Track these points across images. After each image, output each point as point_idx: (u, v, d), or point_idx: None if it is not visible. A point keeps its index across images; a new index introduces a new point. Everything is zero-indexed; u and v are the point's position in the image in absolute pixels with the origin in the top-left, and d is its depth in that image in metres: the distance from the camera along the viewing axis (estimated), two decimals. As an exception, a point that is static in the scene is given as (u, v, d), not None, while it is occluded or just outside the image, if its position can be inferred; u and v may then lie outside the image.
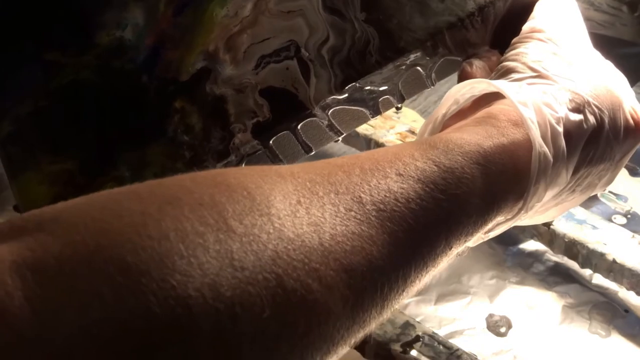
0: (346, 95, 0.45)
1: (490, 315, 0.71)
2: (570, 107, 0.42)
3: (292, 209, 0.32)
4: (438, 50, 0.47)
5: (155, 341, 0.26)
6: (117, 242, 0.27)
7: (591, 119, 0.43)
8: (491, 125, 0.41)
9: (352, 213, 0.33)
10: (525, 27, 0.47)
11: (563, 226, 0.70)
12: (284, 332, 0.30)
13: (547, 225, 0.70)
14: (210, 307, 0.28)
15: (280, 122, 0.44)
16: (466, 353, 0.61)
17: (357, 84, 0.45)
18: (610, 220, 0.74)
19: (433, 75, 0.48)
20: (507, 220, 0.42)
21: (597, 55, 0.47)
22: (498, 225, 0.42)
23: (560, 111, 0.42)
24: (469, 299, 0.72)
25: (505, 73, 0.45)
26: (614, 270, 0.68)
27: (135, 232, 0.28)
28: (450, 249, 0.37)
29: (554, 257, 0.75)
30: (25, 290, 0.26)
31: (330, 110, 0.45)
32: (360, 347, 0.63)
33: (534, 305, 0.72)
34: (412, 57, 0.46)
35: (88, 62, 0.39)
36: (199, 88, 0.42)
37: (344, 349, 0.33)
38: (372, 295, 0.33)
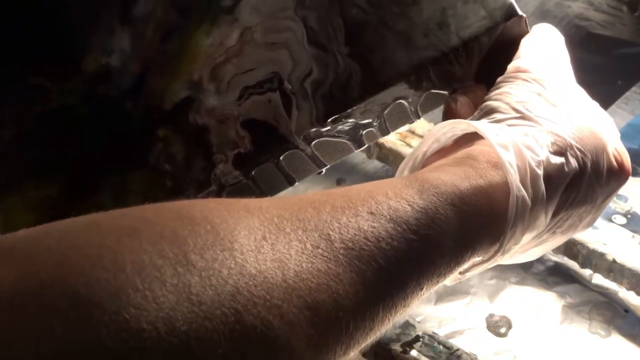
0: (328, 127, 0.46)
1: (490, 315, 0.71)
2: (552, 150, 0.42)
3: (257, 244, 0.31)
4: (422, 84, 0.47)
5: None
6: (71, 275, 0.27)
7: (573, 162, 0.42)
8: (469, 166, 0.40)
9: (319, 250, 0.33)
10: (511, 67, 0.46)
11: (563, 226, 0.70)
12: None
13: (547, 225, 0.70)
14: (164, 341, 0.27)
15: (261, 154, 0.44)
16: (466, 353, 0.61)
17: (340, 118, 0.46)
18: (610, 220, 0.74)
19: (418, 108, 0.48)
20: (484, 261, 0.41)
21: (583, 94, 0.46)
22: (475, 266, 0.42)
23: (541, 154, 0.41)
24: (469, 299, 0.72)
25: (488, 112, 0.44)
26: (614, 270, 0.68)
27: (90, 265, 0.28)
28: (422, 289, 0.37)
29: (554, 257, 0.75)
30: None
31: (313, 143, 0.46)
32: (360, 347, 0.63)
33: (534, 305, 0.72)
34: (396, 91, 0.46)
35: (74, 87, 0.39)
36: (183, 117, 0.43)
37: None
38: (338, 334, 0.33)
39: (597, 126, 0.45)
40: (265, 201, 0.34)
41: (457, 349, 0.61)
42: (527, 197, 0.40)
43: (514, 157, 0.40)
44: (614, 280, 0.69)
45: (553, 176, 0.41)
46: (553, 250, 0.72)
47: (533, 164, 0.40)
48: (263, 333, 0.30)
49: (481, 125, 0.41)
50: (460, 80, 0.48)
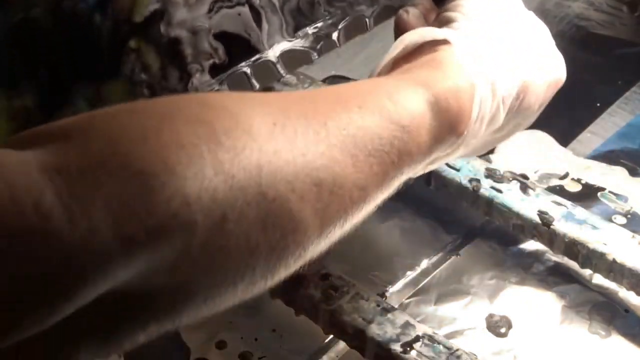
0: (295, 39, 0.47)
1: (490, 315, 0.71)
2: (506, 59, 0.48)
3: (270, 129, 0.36)
4: None
5: (159, 226, 0.31)
6: (126, 151, 0.32)
7: (524, 72, 0.49)
8: (439, 69, 0.46)
9: (320, 136, 0.38)
10: None
11: (563, 226, 0.70)
12: (264, 236, 0.35)
13: (547, 225, 0.70)
14: (205, 206, 0.32)
15: (236, 64, 0.46)
16: (466, 353, 0.61)
17: (307, 29, 0.47)
18: (610, 220, 0.74)
19: (372, 20, 0.51)
20: (447, 154, 0.47)
21: (522, 5, 0.53)
22: (438, 159, 0.48)
23: (499, 62, 0.48)
24: (469, 299, 0.72)
25: (445, 22, 0.50)
26: (614, 270, 0.68)
27: (141, 141, 0.32)
28: (402, 174, 0.43)
29: (554, 257, 0.75)
30: (54, 187, 0.30)
31: (280, 52, 0.47)
32: (360, 347, 0.63)
33: (534, 306, 0.72)
34: (355, 3, 0.49)
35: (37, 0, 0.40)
36: (154, 29, 0.44)
37: (313, 254, 0.39)
38: (337, 207, 0.39)
39: (542, 42, 0.52)
40: (271, 95, 0.41)
41: (457, 349, 0.61)
42: (489, 97, 0.47)
43: (476, 64, 0.47)
44: (614, 280, 0.69)
45: (509, 80, 0.48)
46: (553, 250, 0.72)
47: (494, 70, 0.47)
48: (281, 205, 0.35)
49: (448, 33, 0.48)
50: None
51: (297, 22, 0.47)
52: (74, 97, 0.42)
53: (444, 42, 0.48)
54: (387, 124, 0.41)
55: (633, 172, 0.83)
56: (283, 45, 0.48)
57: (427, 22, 0.53)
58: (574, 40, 0.98)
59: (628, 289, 0.68)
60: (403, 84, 0.44)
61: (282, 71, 0.49)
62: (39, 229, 0.29)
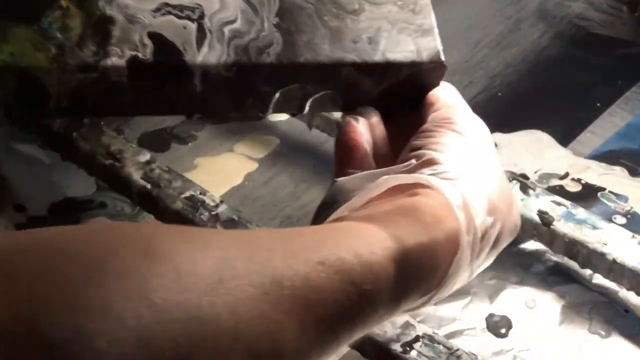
0: (229, 76, 0.46)
1: (490, 315, 0.71)
2: (486, 211, 0.44)
3: (213, 286, 0.33)
4: (328, 82, 0.47)
5: None
6: (39, 313, 0.29)
7: (498, 225, 0.44)
8: (417, 219, 0.41)
9: (269, 297, 0.34)
10: (438, 115, 0.47)
11: (563, 226, 0.70)
12: None
13: (547, 225, 0.70)
14: None
15: (158, 69, 0.45)
16: (466, 353, 0.61)
17: (246, 72, 0.46)
18: (610, 220, 0.74)
19: (309, 102, 0.48)
20: (412, 309, 0.43)
21: (492, 149, 0.48)
22: (409, 310, 0.43)
23: (481, 215, 0.43)
24: (469, 299, 0.72)
25: (428, 163, 0.44)
26: (614, 270, 0.68)
27: (58, 303, 0.29)
28: (352, 337, 0.38)
29: (554, 257, 0.75)
30: None
31: (205, 83, 0.46)
32: (360, 347, 0.63)
33: (534, 306, 0.72)
34: (302, 77, 0.47)
35: None
36: (93, 1, 0.44)
37: None
38: None
39: (508, 186, 0.48)
40: (223, 236, 0.36)
41: (457, 349, 0.61)
42: (468, 257, 0.43)
43: (465, 219, 0.42)
44: (614, 280, 0.69)
45: (484, 236, 0.44)
46: (553, 250, 0.72)
47: (477, 225, 0.43)
48: None
49: (439, 183, 0.43)
50: (364, 94, 0.48)
51: (237, 59, 0.46)
52: None
53: (427, 185, 0.43)
54: (347, 286, 0.37)
55: (633, 172, 0.83)
56: (215, 81, 0.46)
57: (373, 137, 0.48)
58: (574, 40, 0.98)
59: (628, 289, 0.68)
60: (373, 237, 0.39)
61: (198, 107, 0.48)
62: None
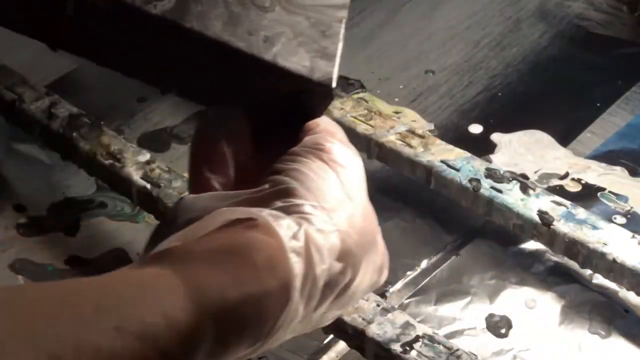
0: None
1: (490, 315, 0.71)
2: (335, 256, 0.39)
3: None
4: (203, 64, 0.44)
5: None
6: None
7: (349, 272, 0.40)
8: (246, 264, 0.36)
9: None
10: (310, 140, 0.43)
11: (563, 226, 0.70)
12: None
13: (547, 225, 0.70)
14: None
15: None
16: (466, 353, 0.61)
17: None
18: (610, 220, 0.74)
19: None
20: (249, 353, 0.38)
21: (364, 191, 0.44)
22: None
23: (327, 261, 0.38)
24: (469, 299, 0.72)
25: (282, 194, 0.39)
26: (614, 270, 0.68)
27: None
28: None
29: (554, 257, 0.75)
30: None
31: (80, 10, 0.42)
32: (360, 347, 0.63)
33: (534, 306, 0.72)
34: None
35: None
36: None
37: None
38: None
39: (372, 227, 0.42)
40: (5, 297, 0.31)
41: (457, 349, 0.61)
42: (301, 311, 0.38)
43: (303, 266, 0.37)
44: (614, 280, 0.69)
45: (331, 283, 0.39)
46: (553, 250, 0.72)
47: (317, 273, 0.38)
48: None
49: (278, 225, 0.37)
50: (242, 94, 0.45)
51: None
52: None
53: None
54: (148, 352, 0.32)
55: (633, 172, 0.83)
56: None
57: (235, 142, 0.43)
58: (574, 40, 0.98)
59: (628, 289, 0.68)
60: (190, 292, 0.34)
61: None
62: None
